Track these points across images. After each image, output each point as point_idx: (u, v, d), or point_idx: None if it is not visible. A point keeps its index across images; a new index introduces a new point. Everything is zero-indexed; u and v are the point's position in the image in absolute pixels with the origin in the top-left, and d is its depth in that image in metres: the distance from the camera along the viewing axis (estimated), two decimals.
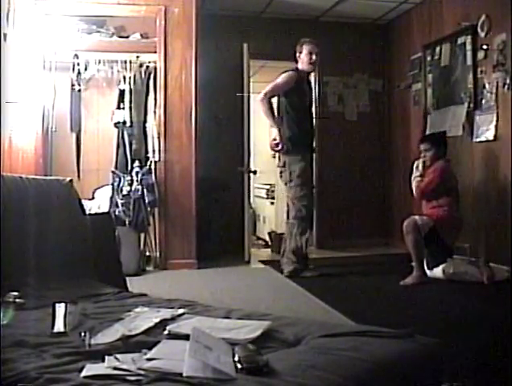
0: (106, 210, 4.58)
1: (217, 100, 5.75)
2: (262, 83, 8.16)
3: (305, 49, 4.61)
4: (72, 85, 5.00)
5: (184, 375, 1.35)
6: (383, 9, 5.94)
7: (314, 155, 4.88)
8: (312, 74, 5.32)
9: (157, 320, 1.86)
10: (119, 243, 3.98)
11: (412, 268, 4.33)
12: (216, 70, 5.65)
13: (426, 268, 4.38)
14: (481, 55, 4.75)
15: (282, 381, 1.35)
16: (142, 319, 1.89)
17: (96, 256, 2.75)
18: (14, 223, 2.48)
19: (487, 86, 4.66)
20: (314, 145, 4.88)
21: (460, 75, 5.01)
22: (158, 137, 4.87)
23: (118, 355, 1.51)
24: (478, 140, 4.77)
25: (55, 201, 2.73)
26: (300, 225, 4.52)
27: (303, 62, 4.62)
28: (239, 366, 1.42)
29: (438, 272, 4.29)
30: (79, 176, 4.99)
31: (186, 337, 1.57)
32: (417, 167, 4.56)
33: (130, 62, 4.98)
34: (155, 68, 4.93)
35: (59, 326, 1.82)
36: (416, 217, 4.35)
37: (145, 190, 4.73)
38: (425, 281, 4.20)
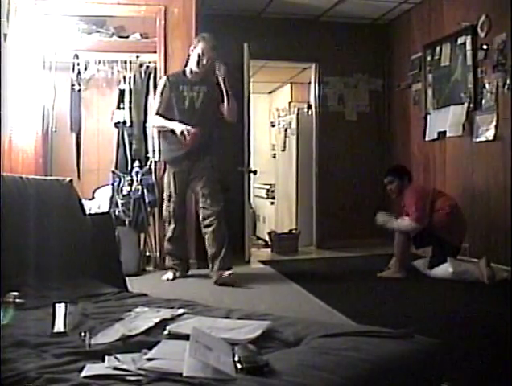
0: (106, 210, 4.58)
1: None
2: (262, 83, 8.16)
3: (199, 47, 4.18)
4: (72, 85, 4.99)
5: (184, 375, 1.35)
6: (383, 9, 5.94)
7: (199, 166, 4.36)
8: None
9: (157, 320, 1.86)
10: (119, 243, 3.99)
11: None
12: None
13: (426, 267, 4.42)
14: (481, 55, 4.75)
15: (282, 381, 1.35)
16: (142, 319, 1.89)
17: (96, 256, 2.75)
18: (14, 223, 2.48)
19: (487, 86, 4.66)
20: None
21: (460, 75, 5.01)
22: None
23: (118, 355, 1.51)
24: (478, 140, 4.77)
25: (55, 201, 2.73)
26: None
27: (191, 59, 4.24)
28: (239, 366, 1.42)
29: (438, 271, 4.31)
30: (79, 176, 4.99)
31: (186, 337, 1.57)
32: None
33: (130, 62, 4.97)
34: (155, 68, 4.93)
35: (59, 326, 1.82)
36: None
37: (145, 191, 4.73)
38: (400, 278, 4.38)
